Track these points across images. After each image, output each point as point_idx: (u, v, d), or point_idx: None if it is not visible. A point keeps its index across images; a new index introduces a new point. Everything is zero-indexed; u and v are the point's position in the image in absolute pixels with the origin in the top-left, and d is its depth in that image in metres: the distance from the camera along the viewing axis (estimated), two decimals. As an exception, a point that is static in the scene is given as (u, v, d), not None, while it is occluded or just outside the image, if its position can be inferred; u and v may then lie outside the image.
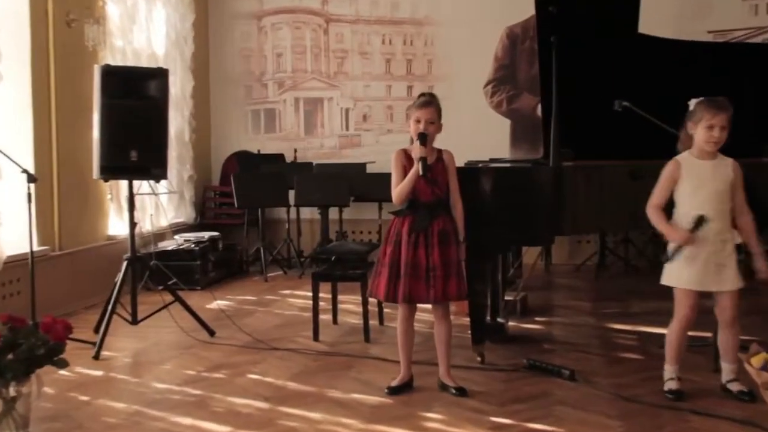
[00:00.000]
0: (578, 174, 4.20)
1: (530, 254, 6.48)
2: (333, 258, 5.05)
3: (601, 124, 4.63)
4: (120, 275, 4.92)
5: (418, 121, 3.77)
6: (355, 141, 8.53)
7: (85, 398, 3.92)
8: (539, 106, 6.43)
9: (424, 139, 3.73)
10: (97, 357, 4.60)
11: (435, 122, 3.78)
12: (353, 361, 4.50)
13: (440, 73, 8.25)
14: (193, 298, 6.26)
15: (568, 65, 4.36)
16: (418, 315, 4.02)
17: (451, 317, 3.95)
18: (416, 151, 3.74)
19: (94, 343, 4.69)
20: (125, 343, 5.00)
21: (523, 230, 4.18)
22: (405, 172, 3.78)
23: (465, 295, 3.83)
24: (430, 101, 3.79)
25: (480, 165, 5.03)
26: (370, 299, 4.65)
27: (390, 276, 3.76)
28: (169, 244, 7.08)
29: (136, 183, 5.14)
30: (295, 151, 8.41)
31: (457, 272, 3.77)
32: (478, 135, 7.94)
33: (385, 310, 5.41)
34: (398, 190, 3.78)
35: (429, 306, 3.90)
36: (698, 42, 5.68)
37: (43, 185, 5.46)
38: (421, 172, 3.68)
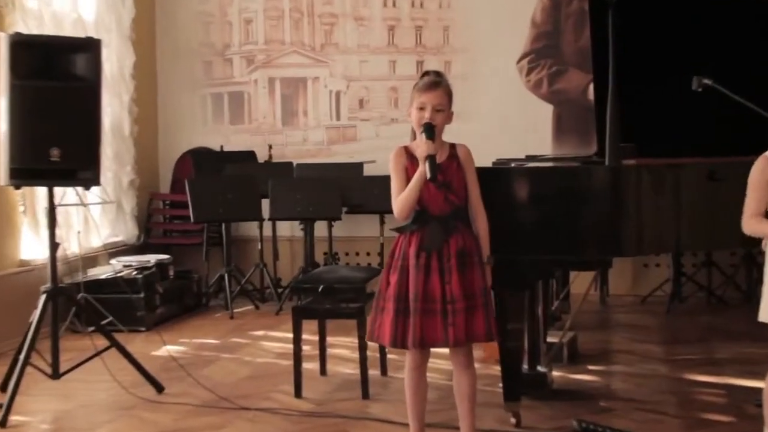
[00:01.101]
0: (644, 175, 4.18)
1: (580, 282, 6.44)
2: (320, 288, 5.02)
3: (673, 110, 4.61)
4: (36, 313, 4.89)
5: (421, 108, 3.76)
6: (348, 134, 8.53)
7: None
8: (591, 87, 6.34)
9: (431, 131, 3.72)
10: (4, 423, 4.57)
11: (444, 109, 3.77)
12: (348, 425, 4.48)
13: (460, 45, 8.26)
14: (136, 343, 6.22)
15: (629, 33, 4.34)
16: (433, 362, 4.00)
17: (476, 365, 3.92)
18: (421, 147, 3.72)
19: (1, 405, 4.66)
20: (43, 403, 4.96)
21: (570, 250, 4.16)
22: (408, 176, 3.77)
23: (496, 335, 3.81)
24: (437, 81, 3.78)
25: (513, 164, 5.01)
26: (371, 343, 4.62)
27: (397, 313, 3.74)
28: (103, 272, 7.06)
29: (58, 191, 5.12)
30: (270, 147, 8.41)
31: (483, 304, 3.75)
32: (511, 125, 7.93)
33: (389, 356, 5.38)
34: (400, 200, 3.76)
35: (446, 350, 3.87)
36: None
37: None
38: (428, 175, 3.66)
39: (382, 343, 3.83)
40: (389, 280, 3.80)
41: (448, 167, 3.78)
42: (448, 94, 3.79)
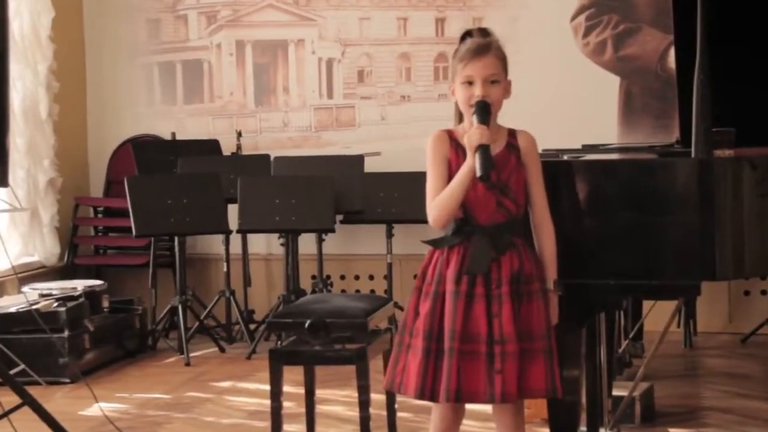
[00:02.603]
0: (745, 170, 4.18)
1: (658, 314, 6.43)
2: (307, 324, 5.02)
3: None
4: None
5: (469, 83, 3.77)
6: (344, 117, 8.55)
7: None
8: (671, 52, 6.33)
9: (485, 112, 3.72)
10: None
11: (500, 80, 3.78)
12: None
13: (494, -5, 8.29)
14: (57, 400, 6.23)
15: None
16: (464, 424, 4.00)
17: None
18: (472, 133, 3.72)
19: None
20: (-65, 479, 4.97)
21: (643, 272, 4.16)
22: (451, 171, 3.78)
23: (560, 388, 3.81)
24: (485, 44, 3.79)
25: (565, 157, 5.01)
26: (374, 395, 4.62)
27: (427, 354, 3.75)
28: (11, 304, 7.06)
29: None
30: (239, 135, 8.42)
31: (545, 349, 3.76)
32: (562, 104, 7.93)
33: (400, 414, 5.37)
34: (438, 201, 3.77)
35: (486, 407, 3.88)
36: None
37: None
38: (478, 172, 3.66)
39: (406, 393, 3.82)
40: (418, 309, 3.81)
41: (504, 162, 3.79)
42: (502, 59, 3.80)
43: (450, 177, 3.76)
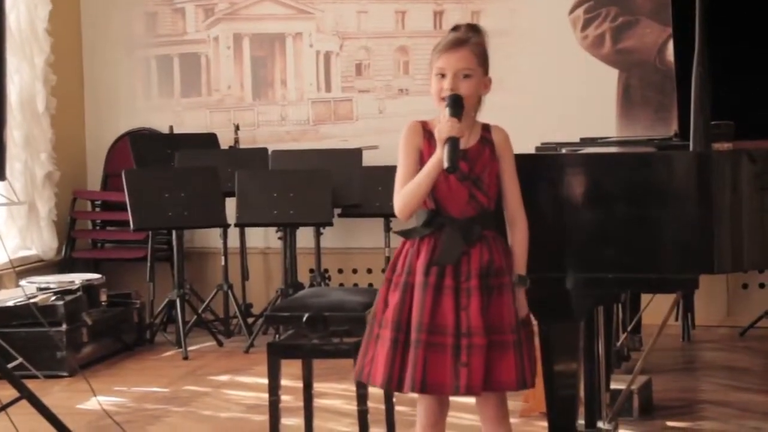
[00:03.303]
0: (744, 163, 4.18)
1: (656, 308, 6.43)
2: (305, 318, 5.02)
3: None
4: None
5: (443, 75, 3.77)
6: (342, 111, 8.54)
7: None
8: (670, 45, 6.34)
9: (456, 106, 3.72)
10: None
11: (473, 75, 3.77)
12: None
13: (492, -12, 8.29)
14: (55, 393, 6.23)
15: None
16: (454, 415, 4.00)
17: (514, 420, 3.94)
18: (440, 126, 3.72)
19: None
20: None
21: (641, 265, 4.16)
22: (422, 161, 3.78)
23: (531, 381, 3.81)
24: (463, 39, 3.78)
25: (563, 150, 5.01)
26: (372, 389, 4.62)
27: (394, 345, 3.75)
28: (9, 297, 7.07)
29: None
30: (237, 128, 8.42)
31: (515, 342, 3.76)
32: (560, 97, 7.93)
33: (398, 407, 5.37)
34: (405, 191, 3.77)
35: (472, 400, 3.88)
36: None
37: None
38: (445, 164, 3.66)
39: (374, 383, 3.83)
40: (387, 300, 3.81)
41: (478, 155, 3.79)
42: (479, 55, 3.78)
43: (420, 167, 3.76)
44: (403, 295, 3.77)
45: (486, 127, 3.85)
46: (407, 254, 3.82)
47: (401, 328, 3.75)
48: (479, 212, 3.78)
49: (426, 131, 3.81)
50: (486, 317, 3.72)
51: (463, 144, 3.72)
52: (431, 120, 3.84)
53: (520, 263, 3.82)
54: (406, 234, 3.84)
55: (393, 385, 3.75)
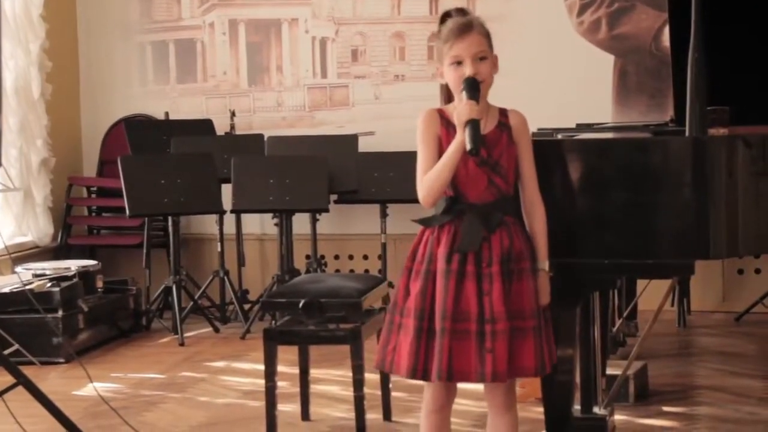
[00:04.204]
0: (740, 149, 4.18)
1: (652, 294, 6.44)
2: (301, 304, 5.03)
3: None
4: None
5: (458, 63, 3.76)
6: (338, 97, 8.53)
7: None
8: (666, 30, 6.33)
9: (474, 89, 3.72)
10: None
11: (488, 56, 3.78)
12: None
13: (488, -26, 8.27)
14: (52, 380, 6.23)
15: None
16: (457, 401, 4.00)
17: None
18: (460, 109, 3.72)
19: None
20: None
21: (637, 251, 4.16)
22: (442, 149, 3.78)
23: (549, 367, 3.83)
24: (467, 24, 3.78)
25: (559, 136, 5.01)
26: (368, 375, 4.63)
27: (418, 333, 3.75)
28: (5, 284, 7.07)
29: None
30: (233, 115, 8.42)
31: (536, 328, 3.76)
32: (556, 83, 7.92)
33: (395, 393, 5.38)
34: (428, 178, 3.77)
35: (477, 386, 3.89)
36: None
37: None
38: (468, 146, 3.66)
39: (398, 372, 3.81)
40: (409, 288, 3.81)
41: (495, 140, 3.78)
42: (486, 36, 3.79)
43: (441, 155, 3.75)
44: (425, 283, 3.76)
45: (503, 112, 3.84)
46: (427, 242, 3.81)
47: (425, 316, 3.74)
48: (498, 198, 3.78)
49: (443, 119, 3.80)
50: (508, 303, 3.72)
51: (481, 129, 3.71)
52: (446, 107, 3.84)
53: (543, 249, 3.82)
54: (425, 222, 3.84)
55: (419, 374, 3.74)
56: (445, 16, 3.83)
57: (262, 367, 5.01)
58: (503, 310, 3.69)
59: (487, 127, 3.76)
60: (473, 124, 3.66)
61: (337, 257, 8.42)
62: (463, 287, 3.73)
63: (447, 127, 3.78)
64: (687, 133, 4.18)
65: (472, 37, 3.75)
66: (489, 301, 3.70)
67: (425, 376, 3.74)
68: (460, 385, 3.89)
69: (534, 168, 3.84)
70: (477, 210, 3.76)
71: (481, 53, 3.75)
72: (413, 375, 3.75)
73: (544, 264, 3.82)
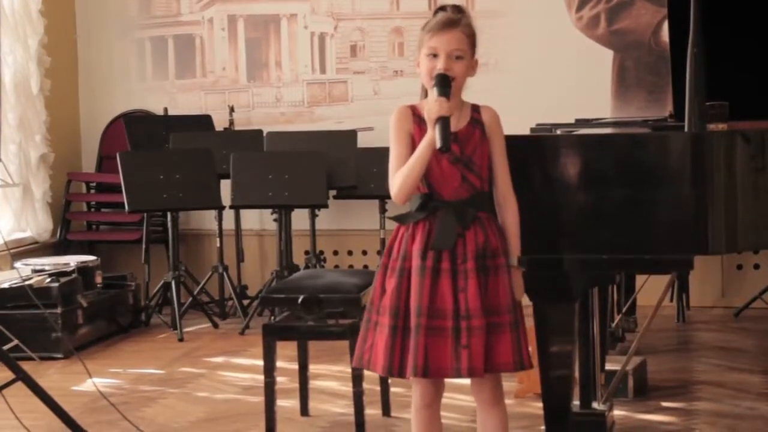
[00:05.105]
0: (739, 144, 4.18)
1: (651, 289, 6.44)
2: (300, 299, 5.03)
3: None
4: None
5: (433, 55, 3.77)
6: (337, 92, 8.53)
7: None
8: (665, 26, 6.34)
9: (445, 85, 3.72)
10: None
11: (464, 57, 3.78)
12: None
13: (487, -31, 8.26)
14: (50, 375, 6.23)
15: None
16: (450, 396, 4.01)
17: (509, 401, 3.94)
18: (430, 106, 3.73)
19: None
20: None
21: (636, 246, 4.16)
22: (414, 145, 3.78)
23: (527, 361, 3.82)
24: (453, 20, 3.78)
25: (558, 131, 5.01)
26: (368, 372, 4.63)
27: (393, 331, 3.76)
28: (4, 279, 7.06)
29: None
30: (232, 110, 8.41)
31: (512, 323, 3.76)
32: (555, 79, 7.91)
33: (393, 389, 5.39)
34: (399, 175, 3.77)
35: (467, 382, 3.89)
36: None
37: None
38: (438, 143, 3.66)
39: (374, 369, 3.84)
40: (385, 286, 3.81)
41: (468, 137, 3.79)
42: (469, 36, 3.79)
43: (412, 151, 3.75)
44: (399, 280, 3.77)
45: (475, 108, 3.85)
46: (402, 239, 3.82)
47: (400, 314, 3.75)
48: (473, 194, 3.78)
49: (415, 116, 3.81)
50: (484, 298, 3.73)
51: (453, 126, 3.72)
52: (419, 104, 3.84)
53: (515, 245, 3.82)
54: (400, 219, 3.84)
55: (394, 371, 3.75)
56: (439, 9, 3.84)
57: (261, 362, 5.01)
58: (479, 307, 3.71)
59: (459, 123, 3.77)
60: (443, 122, 3.66)
61: (336, 253, 8.41)
62: (439, 284, 3.74)
63: (419, 124, 3.79)
64: (686, 129, 4.19)
65: (454, 33, 3.76)
66: (465, 298, 3.72)
67: (401, 373, 3.76)
68: (456, 381, 3.89)
69: (507, 164, 3.84)
70: (451, 207, 3.77)
71: (458, 51, 3.75)
72: (389, 372, 3.78)
73: (514, 260, 3.81)
